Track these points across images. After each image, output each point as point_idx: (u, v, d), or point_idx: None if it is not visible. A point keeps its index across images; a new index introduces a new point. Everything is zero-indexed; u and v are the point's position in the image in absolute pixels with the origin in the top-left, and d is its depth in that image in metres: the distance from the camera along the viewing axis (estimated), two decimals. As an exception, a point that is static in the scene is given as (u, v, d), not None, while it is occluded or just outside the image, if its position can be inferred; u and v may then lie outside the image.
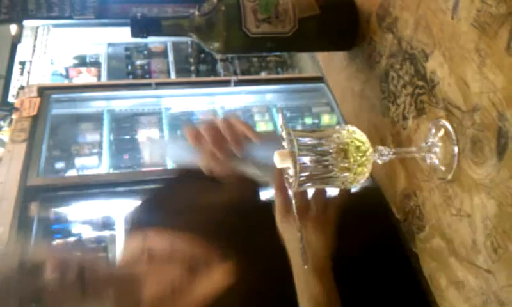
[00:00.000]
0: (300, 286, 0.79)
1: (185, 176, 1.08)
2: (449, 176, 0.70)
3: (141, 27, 0.90)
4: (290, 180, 0.68)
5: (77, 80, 3.94)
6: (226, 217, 0.91)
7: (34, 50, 3.72)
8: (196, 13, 0.91)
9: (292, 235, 0.77)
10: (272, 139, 0.82)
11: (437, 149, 0.72)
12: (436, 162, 0.73)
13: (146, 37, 0.91)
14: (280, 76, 4.07)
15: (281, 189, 0.79)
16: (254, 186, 1.01)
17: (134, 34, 0.91)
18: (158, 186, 1.10)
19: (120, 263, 0.89)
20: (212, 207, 0.95)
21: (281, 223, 0.79)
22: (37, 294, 0.77)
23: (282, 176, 0.73)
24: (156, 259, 0.85)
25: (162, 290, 0.82)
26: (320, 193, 0.79)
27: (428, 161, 0.74)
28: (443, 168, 0.72)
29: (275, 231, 0.85)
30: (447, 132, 0.71)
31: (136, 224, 0.99)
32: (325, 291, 0.77)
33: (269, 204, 0.95)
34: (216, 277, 0.81)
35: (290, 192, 0.69)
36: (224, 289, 0.80)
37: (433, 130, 0.74)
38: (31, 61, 3.65)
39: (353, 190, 0.79)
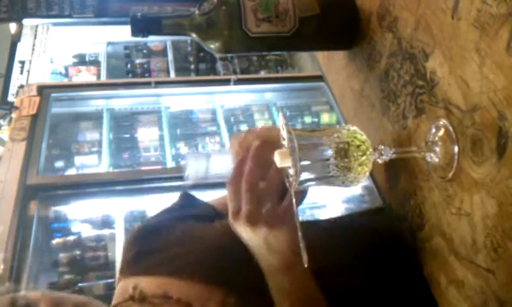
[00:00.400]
0: (268, 281, 0.77)
1: (175, 210, 1.06)
2: (449, 176, 0.71)
3: (142, 26, 0.90)
4: (291, 179, 0.68)
5: (77, 79, 3.94)
6: (225, 252, 0.88)
7: (33, 49, 3.72)
8: (197, 12, 0.91)
9: (251, 234, 0.74)
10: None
11: (437, 149, 0.73)
12: (436, 161, 0.73)
13: (146, 36, 0.91)
14: (280, 75, 4.07)
15: (232, 186, 0.73)
16: None
17: (134, 33, 0.91)
18: (148, 220, 1.07)
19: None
20: (209, 239, 0.93)
21: (234, 221, 0.74)
22: None
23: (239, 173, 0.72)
24: (149, 303, 0.83)
25: None
26: (271, 192, 0.75)
27: (428, 160, 0.75)
28: (443, 167, 0.72)
29: None
30: (447, 132, 0.71)
31: (128, 262, 0.95)
32: (294, 283, 0.76)
33: None
34: None
35: (292, 191, 0.68)
36: None
37: (433, 130, 0.74)
38: (30, 60, 3.65)
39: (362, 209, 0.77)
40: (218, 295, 0.81)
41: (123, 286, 0.89)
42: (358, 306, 0.82)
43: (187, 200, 1.08)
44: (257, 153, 0.72)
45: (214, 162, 0.79)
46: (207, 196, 1.12)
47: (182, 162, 0.80)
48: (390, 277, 0.78)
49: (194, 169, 0.79)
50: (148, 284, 0.85)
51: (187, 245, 0.90)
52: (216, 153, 0.80)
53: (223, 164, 0.79)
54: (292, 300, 0.74)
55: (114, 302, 0.88)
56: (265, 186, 0.72)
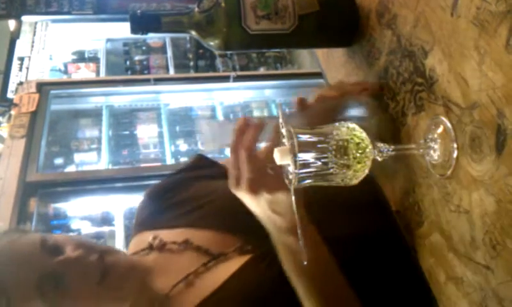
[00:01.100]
0: (276, 244, 0.78)
1: (189, 170, 1.08)
2: (448, 173, 0.71)
3: (141, 24, 0.90)
4: (290, 177, 0.68)
5: (76, 76, 3.94)
6: (241, 203, 0.90)
7: (32, 46, 3.71)
8: (196, 9, 0.91)
9: (254, 201, 0.73)
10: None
11: (436, 146, 0.73)
12: (435, 158, 0.73)
13: (146, 33, 0.91)
14: (279, 72, 4.06)
15: (233, 153, 0.73)
16: None
17: (134, 30, 0.91)
18: (163, 180, 1.08)
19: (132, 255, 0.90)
20: (224, 191, 0.95)
21: (235, 189, 0.74)
22: (57, 271, 0.78)
23: (240, 137, 0.71)
24: (169, 250, 0.87)
25: (176, 280, 0.83)
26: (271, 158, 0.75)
27: (427, 158, 0.75)
28: (442, 164, 0.72)
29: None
30: (446, 129, 0.71)
31: (145, 218, 0.98)
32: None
33: None
34: (234, 268, 0.81)
35: (292, 189, 0.69)
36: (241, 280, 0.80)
37: (432, 127, 0.74)
38: (29, 57, 3.64)
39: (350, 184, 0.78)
40: (236, 242, 0.84)
41: (140, 239, 0.92)
42: (343, 256, 0.83)
43: (200, 161, 1.10)
44: (259, 122, 0.73)
45: (227, 127, 0.78)
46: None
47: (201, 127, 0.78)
48: (390, 274, 0.78)
49: (209, 134, 0.78)
50: (167, 235, 0.88)
51: (204, 198, 0.93)
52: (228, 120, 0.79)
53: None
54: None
55: (130, 252, 0.92)
56: (265, 152, 0.72)
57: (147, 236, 0.90)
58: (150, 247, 0.88)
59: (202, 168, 1.07)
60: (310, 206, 0.90)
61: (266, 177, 0.72)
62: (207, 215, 0.90)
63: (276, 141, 0.71)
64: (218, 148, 0.80)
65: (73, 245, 0.82)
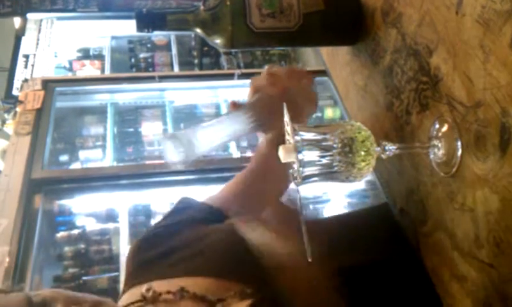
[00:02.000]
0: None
1: (176, 214, 1.04)
2: (452, 171, 0.71)
3: (147, 22, 0.91)
4: (295, 175, 0.69)
5: (81, 73, 3.95)
6: (236, 248, 0.87)
7: (38, 43, 3.72)
8: (201, 7, 0.92)
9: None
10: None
11: (440, 145, 0.73)
12: (440, 157, 0.73)
13: (151, 31, 0.92)
14: (283, 69, 4.06)
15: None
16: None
17: (140, 28, 0.91)
18: (150, 229, 1.03)
19: None
20: (219, 237, 0.92)
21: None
22: None
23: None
24: (164, 302, 0.81)
25: None
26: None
27: (431, 156, 0.75)
28: (446, 163, 0.72)
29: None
30: (450, 128, 0.71)
31: (135, 270, 0.92)
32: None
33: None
34: None
35: (297, 187, 0.69)
36: None
37: (437, 126, 0.74)
38: (34, 54, 3.65)
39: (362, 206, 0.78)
40: (233, 288, 0.81)
41: (132, 293, 0.85)
42: (361, 300, 0.83)
43: (185, 204, 1.07)
44: None
45: (200, 136, 0.77)
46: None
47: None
48: (393, 272, 0.79)
49: (176, 150, 0.77)
50: (160, 285, 0.83)
51: (196, 245, 0.90)
52: (198, 127, 0.77)
53: (210, 135, 0.78)
54: None
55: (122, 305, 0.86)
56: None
57: (139, 289, 0.84)
58: (143, 299, 0.81)
59: (188, 211, 1.04)
60: (330, 237, 0.91)
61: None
62: (202, 263, 0.87)
63: None
64: (187, 160, 0.79)
65: (62, 302, 0.76)
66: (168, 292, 0.80)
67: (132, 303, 0.81)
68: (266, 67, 0.94)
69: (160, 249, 0.92)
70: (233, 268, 0.84)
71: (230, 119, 0.78)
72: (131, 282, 0.89)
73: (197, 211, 1.02)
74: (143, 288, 0.81)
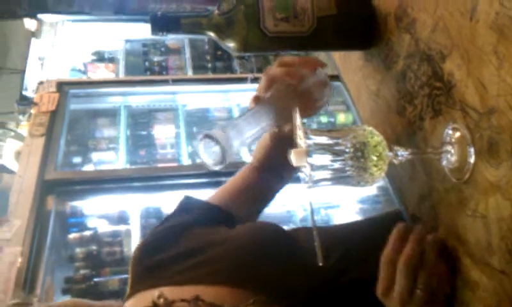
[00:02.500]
0: None
1: (178, 215, 1.03)
2: (465, 177, 0.71)
3: (161, 25, 0.91)
4: (306, 179, 0.69)
5: (95, 76, 3.98)
6: (251, 254, 0.87)
7: (53, 46, 3.76)
8: (216, 11, 0.92)
9: None
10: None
11: (453, 151, 0.73)
12: (452, 163, 0.73)
13: (165, 35, 0.92)
14: (296, 74, 4.06)
15: (388, 264, 0.72)
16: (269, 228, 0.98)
17: (154, 31, 0.92)
18: (155, 231, 1.00)
19: None
20: (231, 242, 0.90)
21: (382, 297, 0.73)
22: None
23: None
24: None
25: None
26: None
27: (444, 162, 0.75)
28: (459, 169, 0.72)
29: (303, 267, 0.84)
30: (463, 134, 0.71)
31: (142, 275, 0.90)
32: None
33: (288, 238, 0.95)
34: None
35: (308, 191, 0.69)
36: None
37: (450, 132, 0.74)
38: (49, 56, 3.69)
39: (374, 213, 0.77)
40: (249, 297, 0.80)
41: (141, 298, 0.84)
42: (363, 302, 0.83)
43: (188, 204, 1.05)
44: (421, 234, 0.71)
45: (233, 134, 0.71)
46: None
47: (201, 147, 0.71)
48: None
49: (212, 150, 0.70)
50: (172, 292, 0.81)
51: (211, 252, 0.88)
52: (229, 124, 0.72)
53: (241, 132, 0.73)
54: None
55: None
56: (424, 275, 0.70)
57: (149, 295, 0.82)
58: (154, 306, 0.79)
59: (192, 212, 1.02)
60: (336, 250, 0.91)
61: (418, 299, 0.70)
62: (217, 271, 0.85)
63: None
64: (224, 159, 0.76)
65: None
66: (182, 300, 0.78)
67: None
68: (278, 59, 0.92)
69: (168, 252, 0.90)
70: (247, 277, 0.83)
71: (254, 114, 0.76)
72: (139, 286, 0.87)
73: (205, 212, 1.02)
74: (154, 294, 0.79)
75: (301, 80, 0.88)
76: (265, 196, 1.08)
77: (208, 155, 0.69)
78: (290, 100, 0.82)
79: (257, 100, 0.81)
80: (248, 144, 0.71)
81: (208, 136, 0.66)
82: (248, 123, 0.73)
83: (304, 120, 0.82)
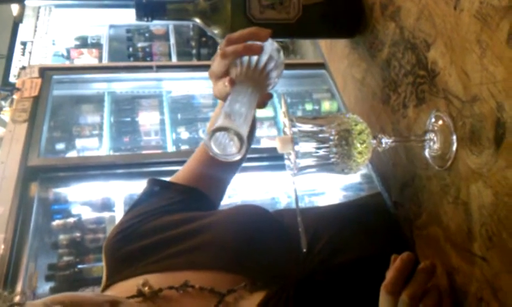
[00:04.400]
0: None
1: (147, 198, 1.01)
2: (447, 165, 0.72)
3: (146, 11, 0.91)
4: (291, 166, 0.69)
5: (78, 62, 3.94)
6: (239, 238, 0.87)
7: (35, 31, 3.71)
8: (201, -3, 0.92)
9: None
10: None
11: (436, 138, 0.74)
12: (435, 150, 0.74)
13: (150, 21, 0.92)
14: (282, 61, 4.06)
15: (389, 294, 0.69)
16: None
17: (139, 17, 0.91)
18: (128, 218, 0.96)
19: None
20: (217, 231, 0.89)
21: (385, 293, 0.70)
22: None
23: None
24: (164, 298, 0.77)
25: None
26: None
27: (427, 149, 0.76)
28: (441, 157, 0.73)
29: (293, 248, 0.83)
30: (446, 122, 0.72)
31: (125, 256, 0.87)
32: None
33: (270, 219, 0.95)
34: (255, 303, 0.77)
35: (293, 179, 0.69)
36: None
37: (433, 119, 0.75)
38: (32, 42, 3.64)
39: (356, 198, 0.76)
40: (240, 281, 0.80)
41: (122, 289, 0.81)
42: (355, 282, 0.84)
43: (156, 186, 1.04)
44: None
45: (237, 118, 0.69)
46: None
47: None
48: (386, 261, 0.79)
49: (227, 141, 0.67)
50: (158, 279, 0.79)
51: (196, 238, 0.87)
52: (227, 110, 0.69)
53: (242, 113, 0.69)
54: None
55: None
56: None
57: (129, 285, 0.80)
58: (140, 295, 0.77)
59: (162, 195, 1.01)
60: (325, 232, 0.91)
61: None
62: (206, 256, 0.84)
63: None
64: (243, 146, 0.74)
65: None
66: (170, 288, 0.77)
67: (130, 297, 0.77)
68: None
69: (145, 240, 0.88)
70: (236, 262, 0.83)
71: (237, 95, 0.75)
72: (116, 276, 0.85)
73: (176, 194, 1.00)
74: (138, 282, 0.78)
75: (245, 48, 0.81)
76: (229, 164, 1.05)
77: (224, 148, 0.67)
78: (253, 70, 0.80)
79: (231, 81, 0.79)
80: (248, 121, 0.68)
81: (221, 129, 0.64)
82: (240, 103, 0.72)
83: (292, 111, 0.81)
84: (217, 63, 0.82)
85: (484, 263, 0.65)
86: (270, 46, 0.82)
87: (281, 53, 0.85)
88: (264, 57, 0.81)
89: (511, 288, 0.61)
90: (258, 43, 0.79)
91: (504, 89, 0.60)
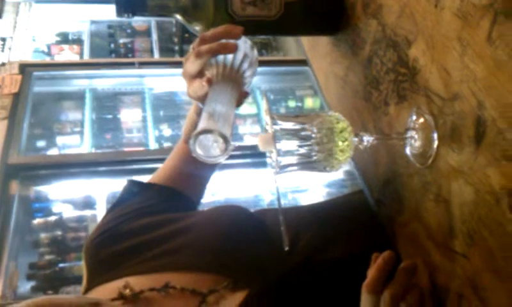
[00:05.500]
0: None
1: (125, 201, 1.00)
2: (428, 162, 0.72)
3: (127, 6, 0.90)
4: (273, 164, 0.69)
5: (59, 58, 3.89)
6: (215, 239, 0.86)
7: (15, 26, 3.66)
8: (182, -6, 0.91)
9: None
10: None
11: (417, 136, 0.74)
12: (416, 148, 0.74)
13: (131, 17, 0.91)
14: (264, 58, 4.05)
15: (370, 293, 0.69)
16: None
17: (120, 13, 0.90)
18: (113, 215, 0.95)
19: None
20: (196, 230, 0.89)
21: (366, 292, 0.70)
22: None
23: None
24: (146, 300, 0.77)
25: None
26: None
27: (408, 147, 0.76)
28: (422, 154, 0.73)
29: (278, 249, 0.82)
30: (427, 119, 0.72)
31: (104, 259, 0.86)
32: None
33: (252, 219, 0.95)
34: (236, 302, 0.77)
35: (275, 176, 0.69)
36: None
37: (414, 117, 0.75)
38: (12, 37, 3.59)
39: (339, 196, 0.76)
40: (221, 281, 0.79)
41: (103, 292, 0.80)
42: (337, 281, 0.84)
43: (133, 188, 1.03)
44: None
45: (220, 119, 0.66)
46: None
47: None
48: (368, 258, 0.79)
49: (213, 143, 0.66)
50: (139, 282, 0.78)
51: (176, 239, 0.87)
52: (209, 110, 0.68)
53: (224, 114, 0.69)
54: None
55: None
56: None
57: (110, 288, 0.79)
58: (121, 297, 0.76)
59: (141, 196, 1.00)
60: (307, 230, 0.91)
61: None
62: (187, 257, 0.83)
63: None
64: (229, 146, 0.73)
65: None
66: (151, 289, 0.77)
67: (113, 300, 0.76)
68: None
69: (126, 243, 0.87)
70: (216, 262, 0.82)
71: (217, 95, 0.74)
72: (97, 279, 0.84)
73: (156, 195, 1.00)
74: (119, 285, 0.77)
75: (219, 46, 0.80)
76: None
77: (208, 150, 0.66)
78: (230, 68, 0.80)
79: (209, 81, 0.78)
80: (230, 121, 0.68)
81: (205, 132, 0.64)
82: (221, 103, 0.71)
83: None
84: (191, 63, 0.81)
85: (465, 260, 0.66)
86: (244, 43, 0.81)
87: (255, 50, 0.84)
88: (239, 55, 0.80)
89: (492, 285, 0.61)
90: (232, 41, 0.79)
91: (484, 87, 0.60)
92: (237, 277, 0.80)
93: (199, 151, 0.65)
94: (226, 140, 0.63)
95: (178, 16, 0.93)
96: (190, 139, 0.64)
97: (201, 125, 0.63)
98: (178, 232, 0.88)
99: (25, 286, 2.30)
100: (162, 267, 0.82)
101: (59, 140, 3.00)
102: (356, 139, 0.72)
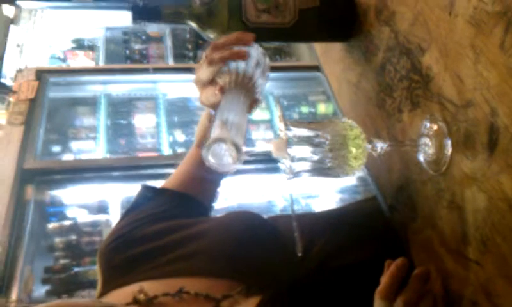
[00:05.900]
0: None
1: (140, 206, 1.01)
2: (442, 169, 0.72)
3: (142, 14, 0.91)
4: (286, 170, 0.69)
5: (75, 64, 3.93)
6: (229, 245, 0.87)
7: (31, 33, 3.70)
8: (197, 1, 0.92)
9: None
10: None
11: (430, 143, 0.74)
12: (430, 155, 0.74)
13: (146, 24, 0.92)
14: (277, 64, 4.05)
15: (383, 300, 0.70)
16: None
17: (135, 20, 0.91)
18: (127, 221, 0.96)
19: None
20: (210, 238, 0.89)
21: (379, 298, 0.70)
22: None
23: None
24: (160, 304, 0.77)
25: None
26: None
27: (421, 154, 0.76)
28: (436, 161, 0.73)
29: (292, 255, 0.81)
30: (440, 126, 0.72)
31: (120, 264, 0.87)
32: None
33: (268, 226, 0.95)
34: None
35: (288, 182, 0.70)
36: None
37: (427, 124, 0.75)
38: (28, 44, 3.63)
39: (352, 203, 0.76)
40: (235, 286, 0.80)
41: (118, 297, 0.81)
42: (350, 287, 0.84)
43: (148, 193, 1.04)
44: None
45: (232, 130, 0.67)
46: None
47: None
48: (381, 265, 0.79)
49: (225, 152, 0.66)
50: (153, 286, 0.79)
51: (191, 245, 0.87)
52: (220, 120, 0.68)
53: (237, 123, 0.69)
54: None
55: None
56: None
57: (125, 292, 0.80)
58: (136, 302, 0.77)
59: (155, 201, 1.01)
60: (320, 236, 0.91)
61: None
62: (201, 263, 0.84)
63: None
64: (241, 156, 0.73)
65: None
66: (165, 294, 0.77)
67: (127, 304, 0.77)
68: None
69: (140, 247, 0.88)
70: (230, 268, 0.82)
71: (229, 103, 0.75)
72: (112, 284, 0.85)
73: (169, 200, 1.00)
74: (134, 289, 0.78)
75: (232, 53, 0.81)
76: None
77: (221, 158, 0.66)
78: (243, 76, 0.80)
79: (222, 89, 0.79)
80: (243, 130, 0.68)
81: (218, 140, 0.64)
82: (234, 112, 0.71)
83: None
84: (203, 70, 0.82)
85: (479, 267, 0.66)
86: (256, 51, 0.82)
87: (267, 57, 0.84)
88: (252, 63, 0.80)
89: (505, 292, 0.61)
90: (244, 48, 0.79)
91: (497, 95, 0.60)
92: (251, 282, 0.80)
93: (212, 160, 0.66)
94: (238, 149, 0.64)
95: (193, 24, 0.94)
96: (203, 148, 0.64)
97: (214, 134, 0.64)
98: (191, 238, 0.89)
99: (40, 290, 2.32)
100: (176, 272, 0.82)
101: (74, 145, 3.02)
102: (369, 146, 0.72)
